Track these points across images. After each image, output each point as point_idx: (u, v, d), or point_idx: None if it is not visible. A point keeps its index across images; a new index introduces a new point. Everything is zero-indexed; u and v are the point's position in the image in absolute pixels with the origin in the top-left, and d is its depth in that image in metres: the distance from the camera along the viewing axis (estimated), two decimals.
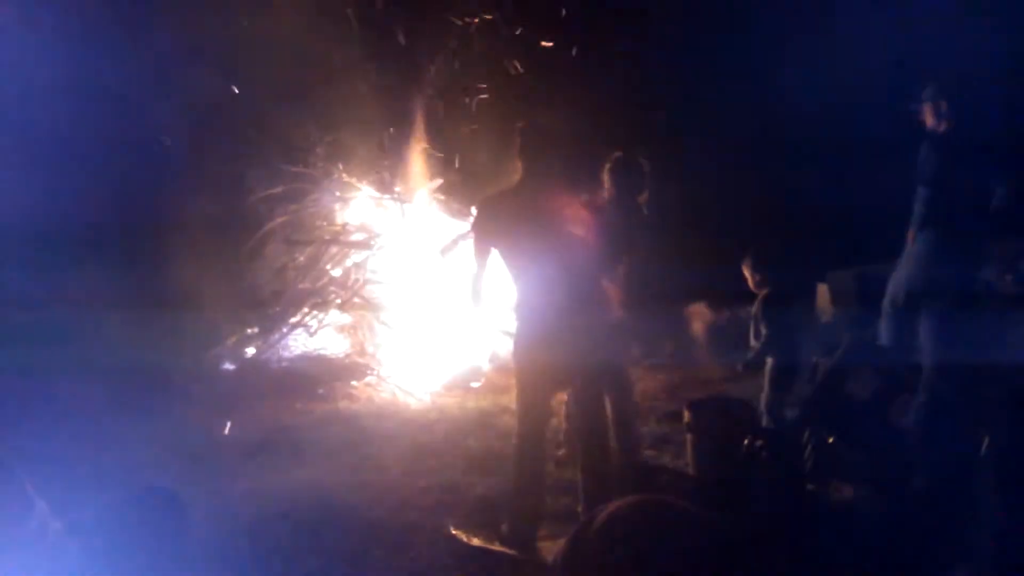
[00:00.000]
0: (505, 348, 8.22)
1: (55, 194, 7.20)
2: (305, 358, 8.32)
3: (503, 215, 4.82)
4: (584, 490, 4.87)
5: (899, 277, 5.82)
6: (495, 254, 4.89)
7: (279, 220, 8.59)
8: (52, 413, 6.07)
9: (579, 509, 4.91)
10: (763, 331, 5.55)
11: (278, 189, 8.62)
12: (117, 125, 7.69)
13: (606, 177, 5.58)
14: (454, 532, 4.96)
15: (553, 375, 4.98)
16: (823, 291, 8.71)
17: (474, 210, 5.71)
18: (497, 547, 4.77)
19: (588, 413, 5.02)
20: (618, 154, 5.61)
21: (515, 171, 4.87)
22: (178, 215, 7.83)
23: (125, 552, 3.91)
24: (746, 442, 4.95)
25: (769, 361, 5.68)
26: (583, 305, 4.78)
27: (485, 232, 4.89)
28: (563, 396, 5.74)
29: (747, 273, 5.73)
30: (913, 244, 5.81)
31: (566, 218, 4.82)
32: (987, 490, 3.09)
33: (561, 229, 4.79)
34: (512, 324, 5.08)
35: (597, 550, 1.84)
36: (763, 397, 5.69)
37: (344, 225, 8.86)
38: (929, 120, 5.70)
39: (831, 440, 4.89)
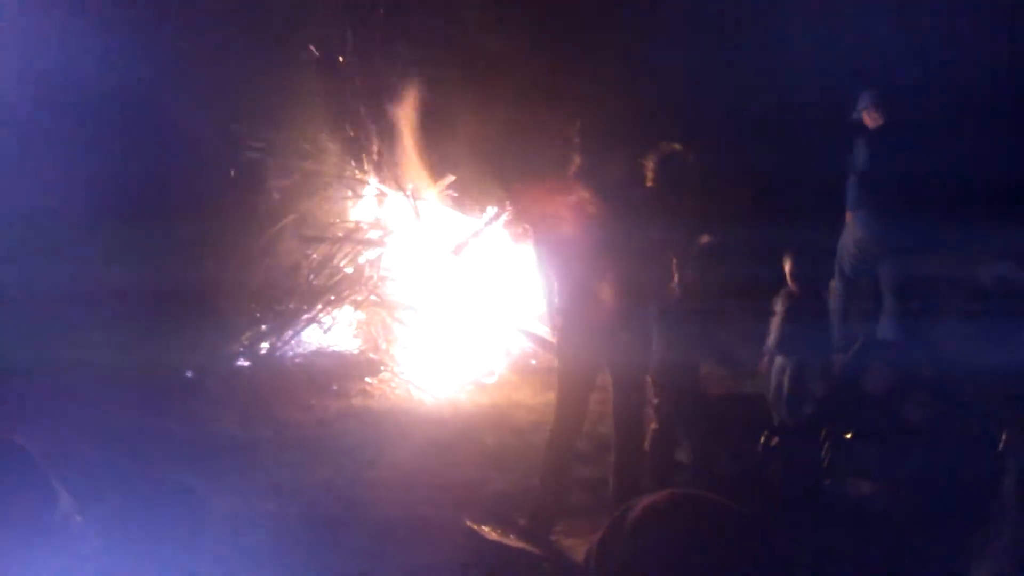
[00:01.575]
0: (519, 345, 8.23)
1: (63, 186, 7.23)
2: (319, 355, 8.32)
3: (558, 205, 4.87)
4: (617, 486, 4.90)
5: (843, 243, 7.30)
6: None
7: (292, 217, 8.60)
8: (70, 410, 6.10)
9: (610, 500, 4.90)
10: (781, 328, 5.55)
11: (290, 181, 8.61)
12: (126, 115, 7.71)
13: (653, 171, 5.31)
14: (471, 526, 4.96)
15: (595, 369, 5.01)
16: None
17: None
18: (515, 542, 4.78)
19: (625, 409, 5.03)
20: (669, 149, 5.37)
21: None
22: (191, 209, 7.84)
23: (144, 545, 3.94)
24: (762, 439, 4.95)
25: (781, 359, 5.68)
26: (630, 299, 4.80)
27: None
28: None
29: (787, 269, 5.72)
30: (851, 222, 7.24)
31: (618, 210, 4.83)
32: (1005, 488, 3.08)
33: (614, 221, 4.80)
34: (553, 317, 5.10)
35: (631, 544, 1.84)
36: (777, 393, 5.70)
37: (358, 222, 8.86)
38: (868, 121, 7.04)
39: (848, 436, 4.88)
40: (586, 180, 4.82)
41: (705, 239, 5.30)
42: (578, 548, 4.58)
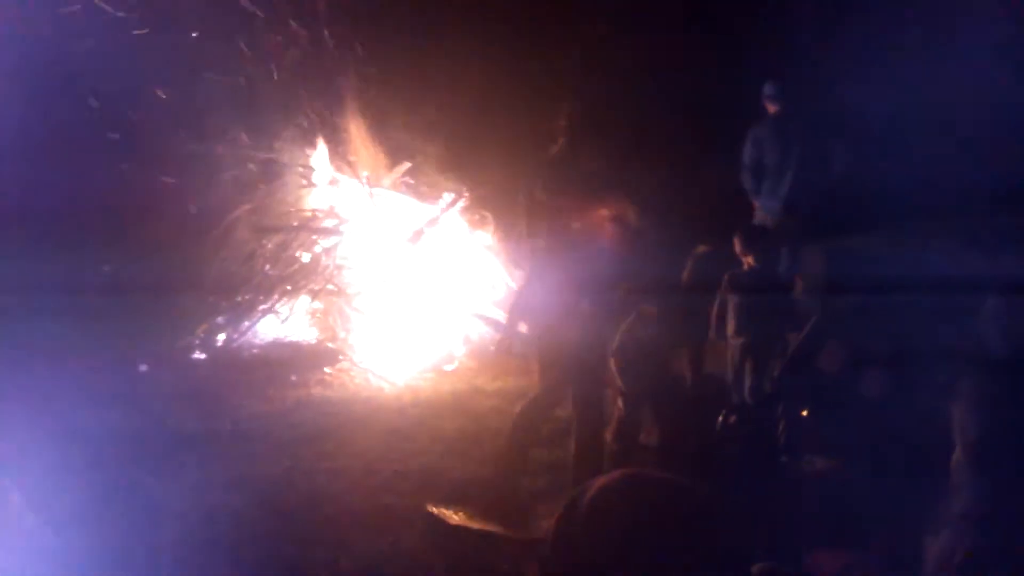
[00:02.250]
0: (478, 331, 8.23)
1: (11, 178, 7.11)
2: (277, 345, 8.28)
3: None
4: (576, 470, 4.96)
5: None
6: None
7: (246, 207, 8.51)
8: (21, 405, 6.00)
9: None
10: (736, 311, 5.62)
11: (243, 171, 8.52)
12: (75, 106, 7.59)
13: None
14: (433, 511, 4.97)
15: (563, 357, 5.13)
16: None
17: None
18: (477, 524, 4.81)
19: (583, 395, 5.11)
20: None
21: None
22: (143, 201, 7.73)
23: (102, 543, 3.89)
24: (720, 417, 5.01)
25: (740, 339, 5.75)
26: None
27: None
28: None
29: (739, 251, 5.79)
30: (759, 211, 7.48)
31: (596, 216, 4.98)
32: (956, 457, 3.14)
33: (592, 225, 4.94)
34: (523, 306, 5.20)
35: (587, 525, 1.86)
36: (736, 372, 5.77)
37: (313, 211, 8.80)
38: (771, 109, 7.36)
39: (804, 413, 4.95)
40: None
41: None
42: (539, 530, 4.60)
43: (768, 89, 7.46)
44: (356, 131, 8.89)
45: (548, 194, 5.52)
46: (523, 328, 5.49)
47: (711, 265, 5.62)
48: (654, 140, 8.49)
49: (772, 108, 7.47)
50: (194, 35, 8.27)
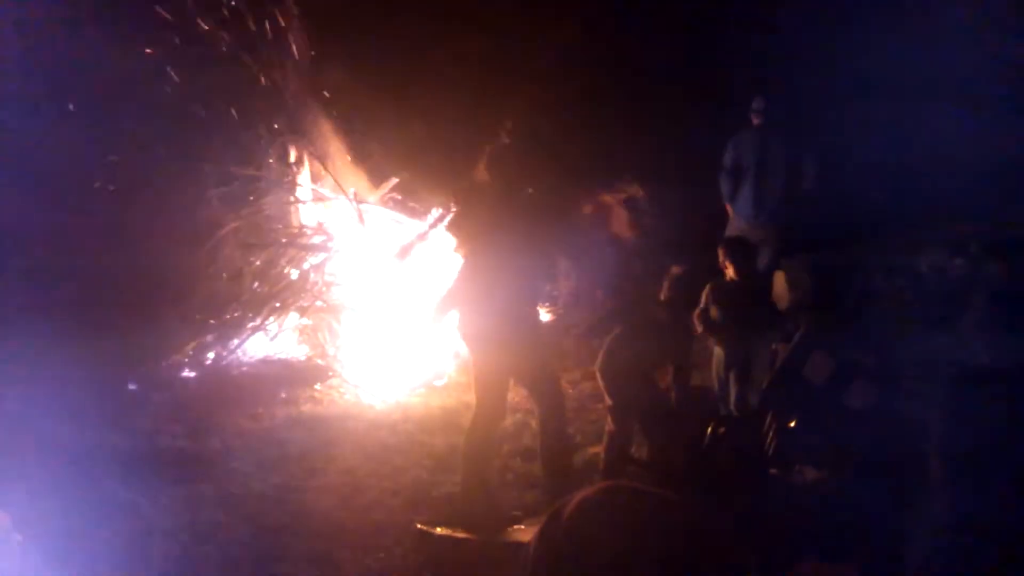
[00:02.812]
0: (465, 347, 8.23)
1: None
2: (266, 363, 8.26)
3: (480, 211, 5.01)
4: (548, 482, 4.98)
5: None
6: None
7: (234, 224, 8.51)
8: (6, 423, 5.98)
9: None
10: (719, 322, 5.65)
11: (230, 188, 8.52)
12: (60, 124, 7.59)
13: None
14: (420, 527, 4.97)
15: (507, 371, 5.17)
16: (779, 278, 8.81)
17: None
18: (462, 534, 4.83)
19: (545, 407, 5.13)
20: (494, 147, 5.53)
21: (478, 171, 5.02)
22: (133, 219, 7.73)
23: (90, 562, 3.88)
24: (708, 429, 5.02)
25: (721, 352, 5.78)
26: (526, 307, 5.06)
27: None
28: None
29: (723, 262, 5.82)
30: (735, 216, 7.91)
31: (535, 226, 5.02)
32: (937, 466, 3.16)
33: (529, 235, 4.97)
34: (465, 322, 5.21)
35: (568, 539, 1.86)
36: (721, 384, 5.79)
37: (301, 228, 8.80)
38: (755, 121, 7.78)
39: (792, 424, 4.96)
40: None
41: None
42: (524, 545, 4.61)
43: (757, 103, 7.81)
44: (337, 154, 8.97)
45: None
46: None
47: (688, 282, 5.63)
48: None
49: (756, 120, 7.81)
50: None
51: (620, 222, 8.22)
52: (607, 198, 8.53)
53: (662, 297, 5.51)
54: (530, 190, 5.24)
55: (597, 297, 5.49)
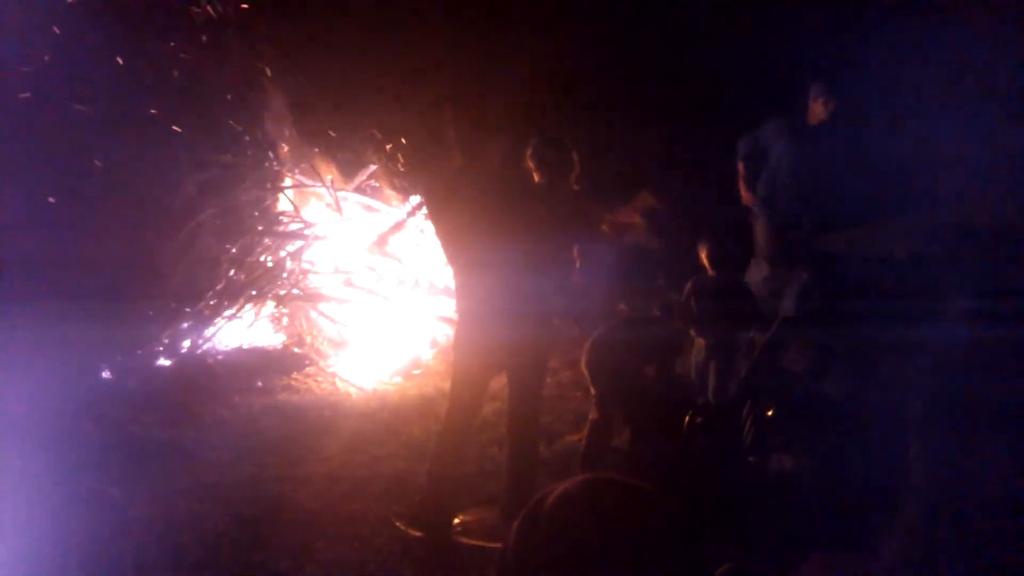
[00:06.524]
0: (444, 334, 8.21)
1: None
2: (242, 351, 8.21)
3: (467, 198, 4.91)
4: (509, 472, 4.95)
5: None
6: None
7: (210, 211, 8.42)
8: None
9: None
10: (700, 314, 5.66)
11: (207, 175, 8.43)
12: (34, 113, 7.47)
13: (531, 161, 5.18)
14: (398, 524, 4.95)
15: (492, 362, 5.06)
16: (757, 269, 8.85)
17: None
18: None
19: (520, 392, 5.07)
20: (540, 137, 5.21)
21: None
22: (107, 206, 7.63)
23: (63, 554, 3.84)
24: (686, 419, 5.02)
25: (703, 342, 5.78)
26: (528, 295, 4.85)
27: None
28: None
29: (703, 253, 5.82)
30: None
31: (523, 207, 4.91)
32: (917, 451, 3.17)
33: (518, 218, 4.86)
34: (454, 309, 5.14)
35: (547, 531, 1.84)
36: (700, 373, 5.79)
37: (278, 215, 8.73)
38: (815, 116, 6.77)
39: (770, 413, 4.97)
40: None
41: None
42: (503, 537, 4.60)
43: (816, 89, 6.96)
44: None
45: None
46: None
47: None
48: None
49: (822, 108, 6.96)
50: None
51: (639, 233, 8.06)
52: (624, 216, 8.36)
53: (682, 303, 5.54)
54: (575, 187, 5.09)
55: (618, 310, 5.40)
